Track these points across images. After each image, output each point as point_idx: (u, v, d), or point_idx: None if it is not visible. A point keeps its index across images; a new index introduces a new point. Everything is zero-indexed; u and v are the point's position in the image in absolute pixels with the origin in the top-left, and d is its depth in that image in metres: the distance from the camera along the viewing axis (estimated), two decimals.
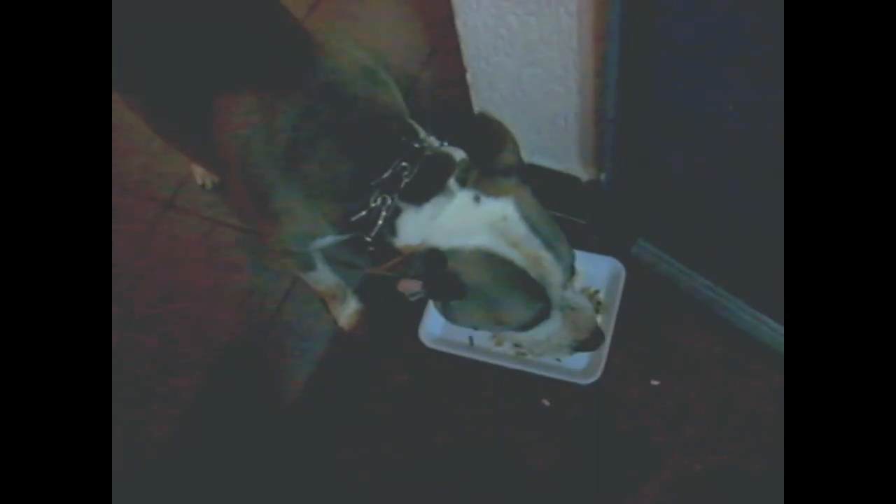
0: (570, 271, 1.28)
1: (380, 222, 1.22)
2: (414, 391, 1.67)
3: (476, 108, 1.72)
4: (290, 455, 1.64)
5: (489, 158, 1.23)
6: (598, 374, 1.56)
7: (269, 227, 1.35)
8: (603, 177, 1.67)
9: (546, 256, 1.21)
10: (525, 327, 1.29)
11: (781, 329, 1.55)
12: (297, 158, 1.21)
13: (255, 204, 1.31)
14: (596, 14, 1.31)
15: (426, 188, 1.21)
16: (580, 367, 1.60)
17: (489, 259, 1.18)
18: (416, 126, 1.29)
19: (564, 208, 1.71)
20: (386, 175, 1.20)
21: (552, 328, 1.30)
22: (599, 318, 1.63)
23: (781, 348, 1.55)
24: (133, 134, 2.02)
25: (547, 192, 1.29)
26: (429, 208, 1.20)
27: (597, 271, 1.70)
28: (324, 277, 1.67)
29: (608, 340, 1.59)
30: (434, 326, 1.69)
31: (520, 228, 1.19)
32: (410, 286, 1.20)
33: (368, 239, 1.25)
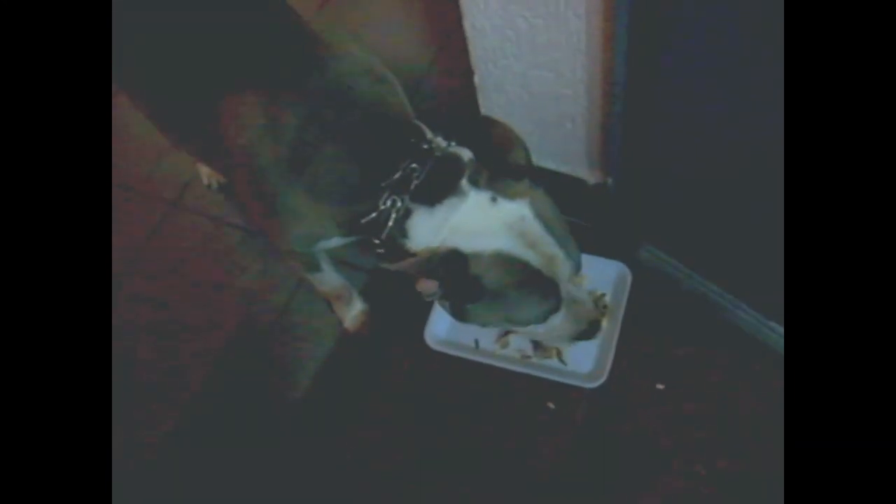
0: (578, 268, 1.30)
1: (390, 224, 1.22)
2: (419, 393, 1.67)
3: (483, 111, 1.71)
4: (294, 455, 1.64)
5: (497, 160, 1.23)
6: (604, 377, 1.56)
7: (275, 228, 1.35)
8: (609, 180, 1.66)
9: (559, 255, 1.24)
10: (534, 323, 1.31)
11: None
12: (304, 159, 1.21)
13: (260, 205, 1.31)
14: (604, 17, 1.31)
15: (438, 189, 1.21)
16: (585, 370, 1.60)
17: (509, 262, 1.20)
18: (423, 127, 1.28)
19: (570, 211, 1.70)
20: (396, 176, 1.20)
21: (557, 321, 1.32)
22: (605, 322, 1.63)
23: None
24: (139, 134, 2.03)
25: (553, 195, 1.30)
26: (442, 209, 1.20)
27: (603, 275, 1.70)
28: (329, 278, 1.67)
29: (614, 344, 1.59)
30: (439, 328, 1.69)
31: (537, 229, 1.21)
32: (429, 287, 1.20)
33: (377, 241, 1.25)
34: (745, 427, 1.52)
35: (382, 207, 1.22)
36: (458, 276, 1.18)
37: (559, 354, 1.63)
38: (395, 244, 1.24)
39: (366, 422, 1.65)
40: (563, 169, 1.74)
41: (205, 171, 2.05)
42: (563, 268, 1.25)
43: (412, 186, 1.20)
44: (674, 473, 1.49)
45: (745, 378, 1.57)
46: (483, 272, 1.19)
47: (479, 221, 1.20)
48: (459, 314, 1.29)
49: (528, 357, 1.64)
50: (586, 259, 1.43)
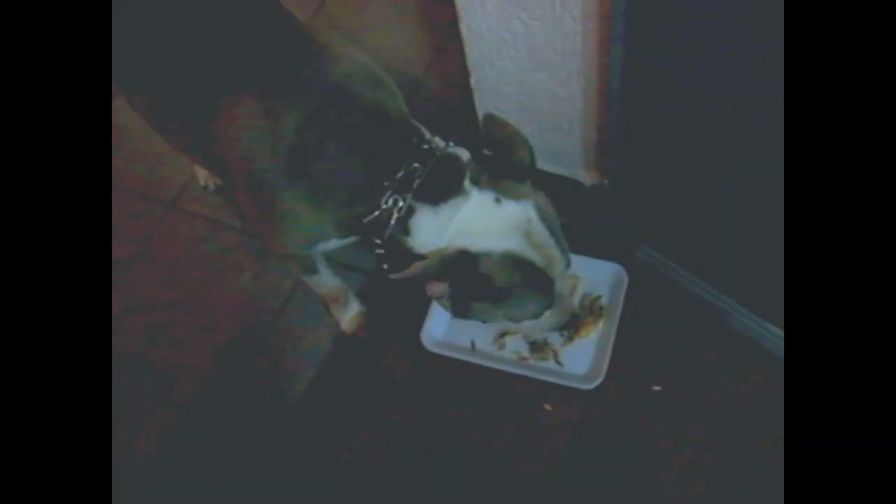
0: (568, 265, 1.34)
1: (392, 223, 1.23)
2: (415, 395, 1.67)
3: (480, 112, 1.72)
4: (292, 456, 1.64)
5: (501, 160, 1.24)
6: (600, 379, 1.56)
7: (272, 230, 1.35)
8: (606, 181, 1.67)
9: (558, 256, 1.27)
10: (531, 319, 1.36)
11: (782, 335, 1.55)
12: (302, 161, 1.21)
13: (258, 206, 1.31)
14: (600, 19, 1.31)
15: (441, 188, 1.22)
16: (582, 371, 1.60)
17: (517, 262, 1.23)
18: (422, 128, 1.29)
19: (567, 213, 1.71)
20: (399, 176, 1.21)
21: (545, 314, 1.38)
22: (601, 324, 1.64)
23: (782, 355, 1.55)
24: (137, 136, 2.02)
25: (550, 197, 1.31)
26: (446, 208, 1.22)
27: (599, 277, 1.70)
28: (326, 280, 1.67)
29: (610, 345, 1.59)
30: (436, 330, 1.69)
31: (542, 231, 1.24)
32: (439, 289, 1.21)
33: (378, 241, 1.26)
34: (742, 428, 1.52)
35: (384, 207, 1.22)
36: (467, 276, 1.20)
37: (556, 356, 1.63)
38: (397, 244, 1.25)
39: (363, 423, 1.65)
40: (560, 170, 1.74)
41: (202, 173, 2.05)
42: (560, 268, 1.29)
43: (415, 185, 1.21)
44: (670, 474, 1.50)
45: (741, 379, 1.57)
46: (492, 272, 1.21)
47: (484, 221, 1.21)
48: (462, 311, 1.31)
49: (525, 358, 1.64)
50: (583, 260, 1.44)
